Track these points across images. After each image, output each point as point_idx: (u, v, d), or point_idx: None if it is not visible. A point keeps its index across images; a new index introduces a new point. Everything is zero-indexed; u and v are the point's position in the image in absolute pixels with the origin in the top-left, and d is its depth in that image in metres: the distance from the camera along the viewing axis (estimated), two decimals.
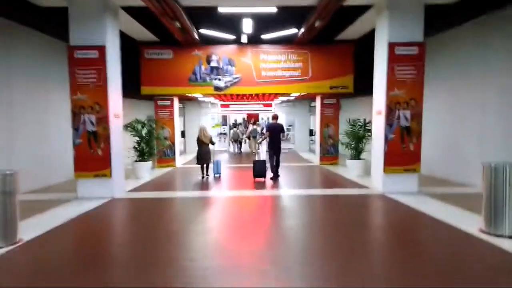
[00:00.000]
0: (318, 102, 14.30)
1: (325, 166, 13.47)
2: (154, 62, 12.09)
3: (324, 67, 12.28)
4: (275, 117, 10.26)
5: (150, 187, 9.58)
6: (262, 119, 28.70)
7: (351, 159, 10.92)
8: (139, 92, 12.15)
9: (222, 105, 18.77)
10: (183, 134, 20.94)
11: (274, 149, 9.83)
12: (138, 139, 11.13)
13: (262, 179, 9.84)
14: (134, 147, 11.05)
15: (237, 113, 24.09)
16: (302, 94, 13.99)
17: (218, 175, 10.76)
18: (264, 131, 12.00)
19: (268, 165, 9.99)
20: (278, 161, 9.90)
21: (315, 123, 15.56)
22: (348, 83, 12.34)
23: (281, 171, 10.58)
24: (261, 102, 18.92)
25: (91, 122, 7.75)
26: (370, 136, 10.37)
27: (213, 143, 10.61)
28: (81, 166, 7.81)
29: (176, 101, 14.18)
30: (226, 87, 12.25)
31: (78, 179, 7.88)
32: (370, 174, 8.76)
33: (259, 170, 9.65)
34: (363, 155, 10.84)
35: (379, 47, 8.22)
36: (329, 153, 13.97)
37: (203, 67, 12.13)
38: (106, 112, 7.75)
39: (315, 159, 14.98)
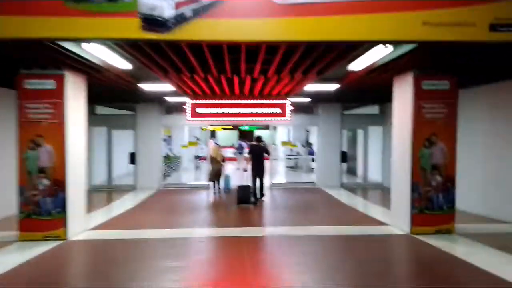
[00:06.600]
0: (409, 86, 6.20)
1: (427, 240, 5.34)
2: None
3: None
4: (259, 139, 9.82)
5: None
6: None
7: None
8: None
9: (196, 107, 10.47)
10: (133, 158, 12.59)
11: (258, 172, 9.54)
12: None
13: (247, 206, 9.01)
14: None
15: (224, 123, 15.47)
16: (393, 57, 5.64)
17: (227, 189, 11.04)
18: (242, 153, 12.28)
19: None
20: (262, 183, 9.71)
21: (387, 140, 7.46)
22: None
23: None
24: (262, 101, 10.77)
25: None
26: None
27: (224, 161, 11.13)
28: None
29: (71, 80, 5.97)
30: (181, 18, 3.96)
31: None
32: None
33: (243, 196, 9.26)
34: None
35: None
36: (435, 207, 5.92)
37: None
38: None
39: (391, 216, 6.77)
